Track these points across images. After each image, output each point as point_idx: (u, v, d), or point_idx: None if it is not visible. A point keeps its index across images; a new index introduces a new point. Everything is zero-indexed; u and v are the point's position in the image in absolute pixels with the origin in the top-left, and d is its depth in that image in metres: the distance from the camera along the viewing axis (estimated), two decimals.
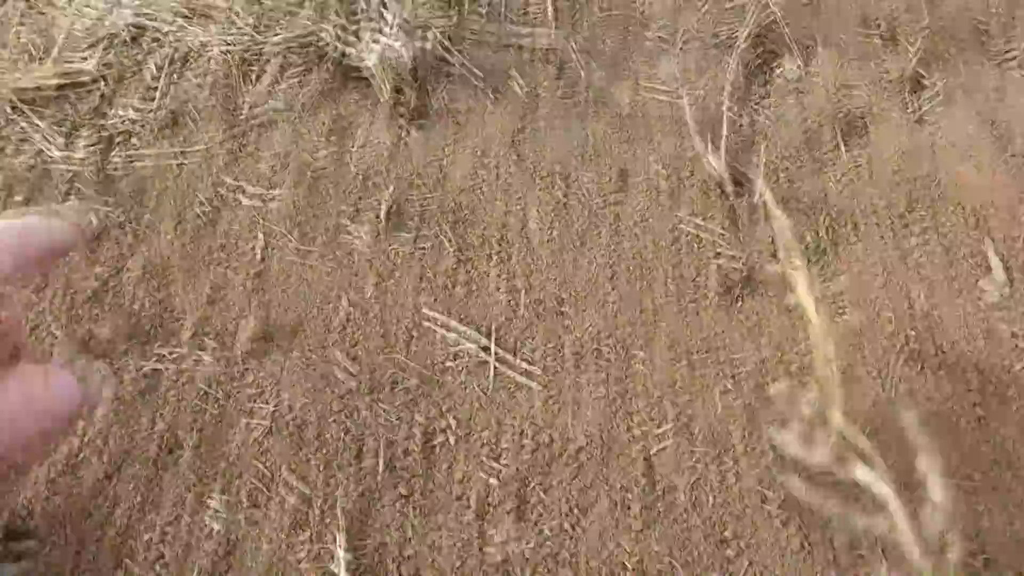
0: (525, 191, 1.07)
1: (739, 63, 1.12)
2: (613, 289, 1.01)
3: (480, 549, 0.85)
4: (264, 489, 0.87)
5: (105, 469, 0.88)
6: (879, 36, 1.22)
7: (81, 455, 0.88)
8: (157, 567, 0.83)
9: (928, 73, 1.18)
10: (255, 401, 0.93)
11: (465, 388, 0.95)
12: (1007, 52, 1.22)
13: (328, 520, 0.86)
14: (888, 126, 1.14)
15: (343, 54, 1.11)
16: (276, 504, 0.86)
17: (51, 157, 1.09)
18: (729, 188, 1.07)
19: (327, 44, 1.13)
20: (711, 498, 0.88)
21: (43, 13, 1.24)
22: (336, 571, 0.82)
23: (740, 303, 1.00)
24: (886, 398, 0.95)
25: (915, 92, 1.17)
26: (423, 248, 1.03)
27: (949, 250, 1.04)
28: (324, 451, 0.91)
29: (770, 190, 1.07)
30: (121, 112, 1.12)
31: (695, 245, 1.04)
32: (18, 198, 1.05)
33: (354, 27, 1.08)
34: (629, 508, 0.88)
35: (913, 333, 0.99)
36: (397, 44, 1.06)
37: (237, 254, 1.01)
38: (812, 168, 1.11)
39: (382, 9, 1.10)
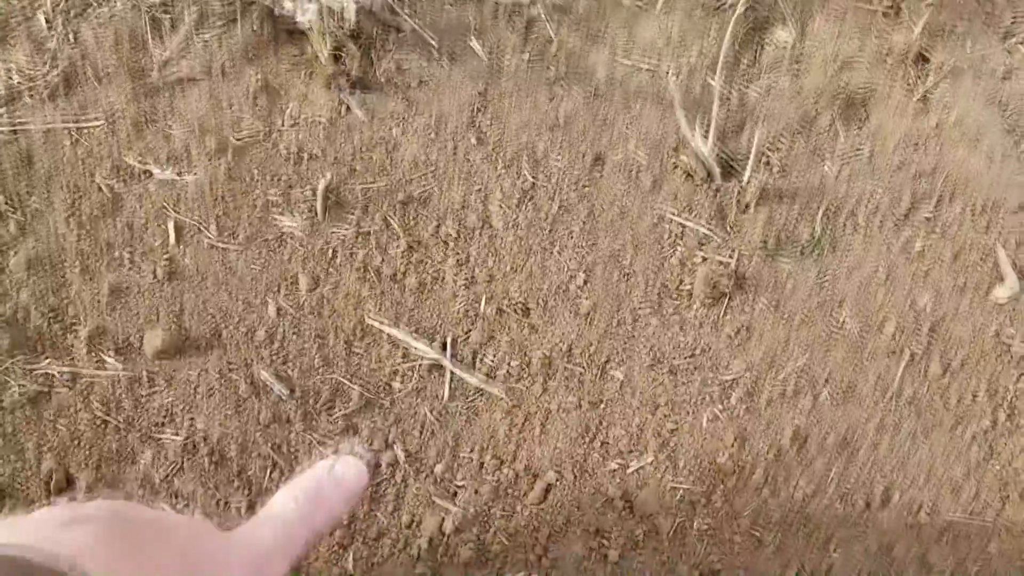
0: (486, 177, 0.92)
1: (732, 32, 0.98)
2: (587, 296, 0.88)
3: None
4: None
5: None
6: (881, 7, 1.09)
7: None
8: None
9: (933, 49, 1.06)
10: (163, 429, 0.78)
11: (415, 412, 0.82)
12: (1013, 24, 1.10)
13: None
14: (890, 108, 1.02)
15: (273, 4, 0.94)
16: None
17: None
18: (717, 176, 0.94)
19: None
20: (699, 544, 0.77)
21: None
22: None
23: (728, 311, 0.88)
24: (887, 419, 0.85)
25: (919, 70, 1.05)
26: (366, 244, 0.88)
27: (958, 255, 0.93)
28: (246, 490, 0.77)
29: (762, 178, 0.94)
30: (4, 71, 0.94)
31: (679, 244, 0.91)
32: None
33: None
34: (607, 556, 0.76)
35: (919, 347, 0.88)
36: (341, 1, 0.89)
37: (143, 249, 0.84)
38: (808, 154, 0.99)
39: None
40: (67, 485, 0.75)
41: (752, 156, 0.95)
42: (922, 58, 1.06)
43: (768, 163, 0.97)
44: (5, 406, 0.76)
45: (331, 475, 0.56)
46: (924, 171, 0.98)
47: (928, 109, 1.03)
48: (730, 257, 0.90)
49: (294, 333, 0.83)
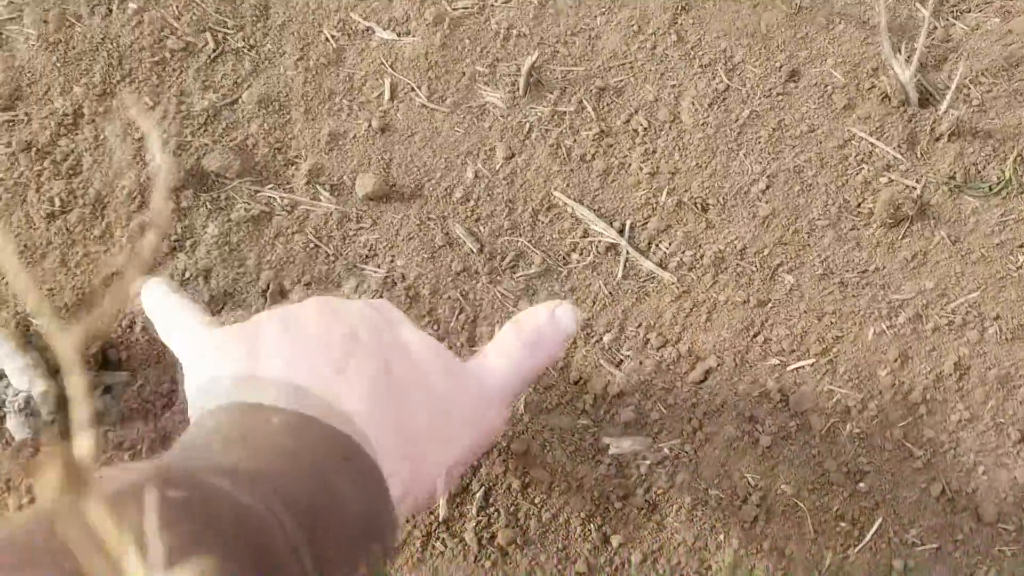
0: (681, 76, 0.95)
1: None
2: (766, 201, 0.90)
3: (593, 457, 0.79)
4: None
5: (207, 307, 0.82)
6: None
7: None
8: None
9: None
10: (367, 263, 0.85)
11: (589, 283, 0.87)
12: None
13: None
14: None
15: None
16: None
17: None
18: (914, 103, 0.94)
19: None
20: (849, 445, 0.80)
21: None
22: None
23: (907, 235, 0.89)
24: None
25: None
26: (560, 124, 0.92)
27: None
28: (434, 328, 0.84)
29: (959, 111, 0.94)
30: None
31: (865, 164, 0.92)
32: None
33: None
34: (758, 441, 0.80)
35: None
36: None
37: (360, 101, 0.91)
38: (1008, 96, 0.97)
39: None
40: (281, 296, 0.83)
41: (952, 88, 0.94)
42: None
43: (968, 97, 0.96)
44: (232, 219, 0.85)
45: (551, 317, 0.61)
46: None
47: None
48: (917, 183, 0.91)
49: (487, 196, 0.89)
